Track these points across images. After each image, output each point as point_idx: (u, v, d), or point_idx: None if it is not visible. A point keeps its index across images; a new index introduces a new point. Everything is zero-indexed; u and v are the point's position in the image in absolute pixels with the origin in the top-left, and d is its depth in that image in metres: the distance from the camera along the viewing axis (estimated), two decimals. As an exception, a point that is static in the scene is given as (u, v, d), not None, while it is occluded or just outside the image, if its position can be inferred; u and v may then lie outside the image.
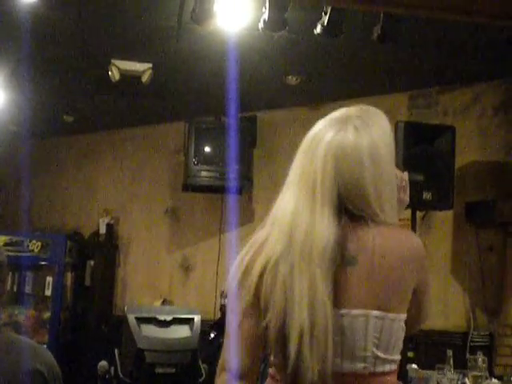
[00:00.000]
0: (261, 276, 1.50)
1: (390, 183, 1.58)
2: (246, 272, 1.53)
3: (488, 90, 5.35)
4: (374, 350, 1.49)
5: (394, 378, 1.55)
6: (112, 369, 4.75)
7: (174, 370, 4.49)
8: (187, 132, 6.09)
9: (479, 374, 4.04)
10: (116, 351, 4.81)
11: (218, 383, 1.56)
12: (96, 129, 7.10)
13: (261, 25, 3.70)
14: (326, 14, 3.70)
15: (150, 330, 4.66)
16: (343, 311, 1.48)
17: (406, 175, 1.75)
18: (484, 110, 5.37)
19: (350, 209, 1.53)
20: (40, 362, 1.97)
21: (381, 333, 1.50)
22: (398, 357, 1.55)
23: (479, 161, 5.31)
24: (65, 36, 4.70)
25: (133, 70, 5.09)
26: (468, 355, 4.60)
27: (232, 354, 1.54)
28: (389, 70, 5.20)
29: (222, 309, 5.26)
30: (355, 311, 1.48)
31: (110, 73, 5.08)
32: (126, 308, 5.03)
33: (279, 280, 1.47)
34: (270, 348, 1.52)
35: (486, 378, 4.04)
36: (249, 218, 6.20)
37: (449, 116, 5.44)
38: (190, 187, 6.15)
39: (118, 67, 5.05)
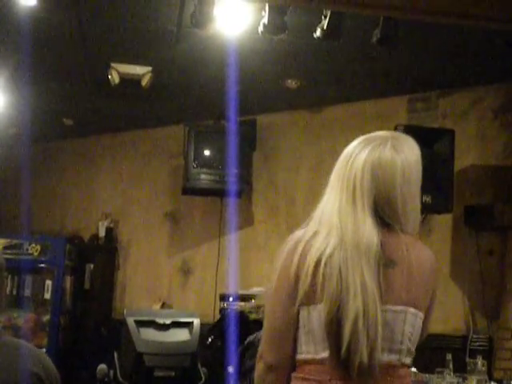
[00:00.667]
0: (316, 267, 1.65)
1: (414, 200, 1.78)
2: (301, 264, 1.67)
3: (487, 94, 5.36)
4: (408, 343, 1.70)
5: (409, 371, 1.76)
6: (111, 372, 4.74)
7: (173, 374, 4.49)
8: (187, 135, 6.09)
9: (479, 377, 4.04)
10: (115, 354, 4.80)
11: (256, 370, 1.76)
12: (96, 132, 7.10)
13: (260, 28, 3.70)
14: (325, 17, 3.71)
15: (149, 334, 4.66)
16: (387, 307, 1.66)
17: None
18: (483, 114, 5.37)
19: (381, 216, 1.72)
20: (38, 365, 1.97)
21: (414, 328, 1.71)
22: (413, 350, 1.73)
23: (478, 164, 5.31)
24: (64, 39, 4.71)
25: (132, 73, 5.10)
26: (467, 359, 4.60)
27: (269, 345, 1.72)
28: (388, 74, 5.20)
29: (222, 311, 5.26)
30: (397, 307, 1.67)
31: (109, 76, 5.08)
32: (125, 311, 5.02)
33: (335, 270, 1.64)
34: (305, 341, 1.70)
35: (486, 382, 4.05)
36: (248, 221, 6.20)
37: (448, 120, 5.45)
38: (189, 190, 6.15)
39: (118, 71, 5.06)
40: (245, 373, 3.18)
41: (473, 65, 4.92)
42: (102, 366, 4.81)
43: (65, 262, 6.72)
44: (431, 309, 1.83)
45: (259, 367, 1.74)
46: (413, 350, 1.72)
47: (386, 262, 1.68)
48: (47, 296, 6.63)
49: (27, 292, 6.67)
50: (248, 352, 3.19)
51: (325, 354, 1.65)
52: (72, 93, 5.88)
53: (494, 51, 4.59)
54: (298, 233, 1.75)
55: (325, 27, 3.72)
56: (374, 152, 1.74)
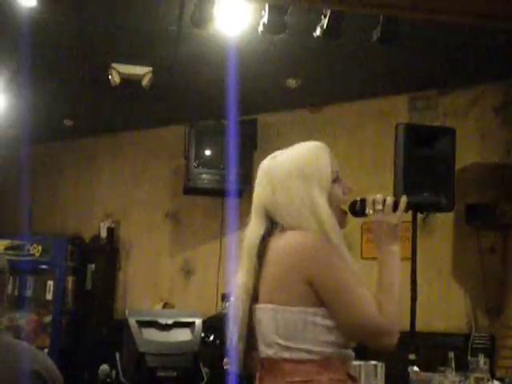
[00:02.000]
0: None
1: (288, 194, 1.85)
2: None
3: (488, 92, 5.36)
4: (275, 337, 1.76)
5: (309, 367, 1.74)
6: (113, 373, 4.74)
7: (175, 374, 4.48)
8: (187, 135, 6.09)
9: (481, 376, 4.03)
10: (117, 355, 4.80)
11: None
12: (96, 133, 7.10)
13: (260, 28, 3.70)
14: (325, 16, 3.70)
15: (151, 334, 4.65)
16: (257, 305, 1.80)
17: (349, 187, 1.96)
18: (484, 112, 5.37)
19: (272, 218, 1.87)
20: (39, 365, 1.97)
21: (277, 322, 1.76)
22: (306, 346, 1.74)
23: (480, 162, 5.31)
24: (65, 40, 4.71)
25: (133, 73, 5.09)
26: (469, 357, 4.59)
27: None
28: (389, 73, 5.20)
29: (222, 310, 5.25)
30: (260, 305, 1.79)
31: (110, 76, 5.08)
32: (127, 312, 5.01)
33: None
34: None
35: (488, 380, 4.03)
36: (249, 220, 6.19)
37: (449, 118, 5.44)
38: (190, 190, 6.15)
39: (118, 71, 5.05)
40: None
41: (474, 63, 4.91)
42: (104, 367, 4.81)
43: (66, 262, 6.72)
44: (328, 298, 1.75)
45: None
46: (288, 344, 1.74)
47: (264, 261, 1.81)
48: (49, 297, 6.63)
49: (29, 293, 6.67)
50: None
51: None
52: (72, 93, 5.88)
53: (495, 49, 4.59)
54: None
55: (325, 26, 3.71)
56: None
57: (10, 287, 6.60)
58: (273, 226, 1.87)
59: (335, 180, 1.90)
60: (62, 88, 5.72)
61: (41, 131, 6.73)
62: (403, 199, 1.91)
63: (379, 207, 1.88)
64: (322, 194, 1.84)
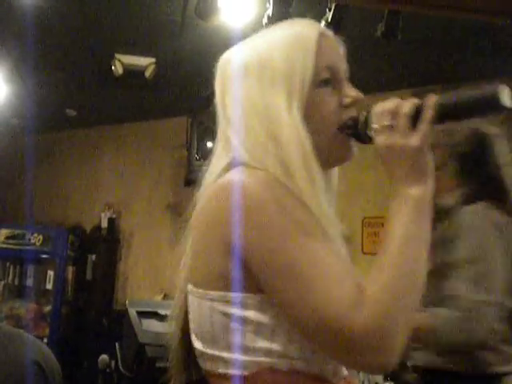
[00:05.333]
0: None
1: (235, 103, 1.15)
2: None
3: (491, 88, 5.34)
4: (193, 337, 1.15)
5: None
6: (113, 363, 4.75)
7: (174, 365, 4.50)
8: (190, 127, 6.09)
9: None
10: (117, 345, 4.81)
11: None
12: (99, 123, 7.10)
13: (265, 20, 3.69)
14: (330, 10, 3.69)
15: (151, 325, 4.66)
16: (188, 287, 1.16)
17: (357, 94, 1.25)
18: (487, 108, 5.35)
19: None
20: (39, 354, 1.97)
21: (193, 314, 1.13)
22: (229, 355, 1.06)
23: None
24: (68, 30, 4.70)
25: (136, 64, 5.09)
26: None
27: None
28: (392, 68, 5.19)
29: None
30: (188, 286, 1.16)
31: (113, 67, 5.08)
32: (127, 302, 5.01)
33: None
34: None
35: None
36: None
37: (452, 114, 5.43)
38: (192, 182, 6.13)
39: (122, 61, 5.05)
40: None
41: (477, 59, 4.91)
42: (104, 357, 4.82)
43: (67, 252, 6.73)
44: (269, 279, 1.02)
45: None
46: (210, 351, 1.09)
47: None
48: (49, 286, 6.64)
49: (29, 282, 6.68)
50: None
51: None
52: (75, 83, 5.88)
53: (498, 45, 4.58)
54: None
55: (329, 20, 3.70)
56: None
57: (10, 276, 6.62)
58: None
59: (326, 82, 1.19)
60: (65, 78, 5.71)
61: (43, 121, 6.74)
62: (429, 102, 1.10)
63: (387, 122, 1.10)
64: (290, 102, 1.11)
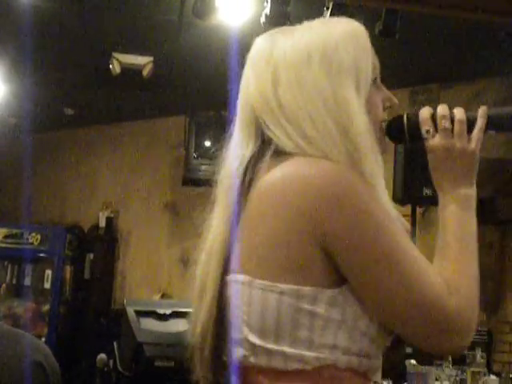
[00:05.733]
0: None
1: (298, 93, 1.13)
2: None
3: (489, 87, 5.35)
4: (246, 330, 1.09)
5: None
6: (111, 362, 4.75)
7: (173, 364, 4.49)
8: (188, 126, 6.08)
9: (477, 370, 4.05)
10: (115, 344, 4.81)
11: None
12: (96, 122, 7.09)
13: (263, 19, 3.69)
14: (327, 9, 3.69)
15: (149, 324, 4.66)
16: (229, 277, 1.15)
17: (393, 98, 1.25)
18: (485, 107, 5.36)
19: (265, 133, 1.18)
20: (39, 353, 1.97)
21: (249, 306, 1.08)
22: (295, 350, 1.05)
23: (479, 157, 5.30)
24: (66, 29, 4.70)
25: (134, 63, 5.08)
26: (466, 351, 4.60)
27: None
28: (390, 66, 5.18)
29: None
30: (231, 276, 1.14)
31: (110, 66, 5.07)
32: (125, 301, 5.02)
33: None
34: None
35: (485, 375, 4.05)
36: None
37: (450, 112, 5.43)
38: (189, 181, 6.14)
39: (119, 60, 5.04)
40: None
41: (475, 57, 4.91)
42: (102, 356, 4.82)
43: (65, 251, 6.73)
44: (360, 270, 1.04)
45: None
46: (265, 344, 1.06)
47: (247, 205, 1.12)
48: (47, 285, 6.64)
49: (27, 281, 6.68)
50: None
51: None
52: (73, 82, 5.87)
53: (497, 44, 4.58)
54: None
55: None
56: None
57: (8, 275, 6.61)
58: (265, 145, 1.15)
59: (374, 81, 1.19)
60: (62, 77, 5.71)
61: (41, 120, 6.73)
62: (481, 112, 1.19)
63: (446, 124, 1.16)
64: (359, 97, 1.13)
